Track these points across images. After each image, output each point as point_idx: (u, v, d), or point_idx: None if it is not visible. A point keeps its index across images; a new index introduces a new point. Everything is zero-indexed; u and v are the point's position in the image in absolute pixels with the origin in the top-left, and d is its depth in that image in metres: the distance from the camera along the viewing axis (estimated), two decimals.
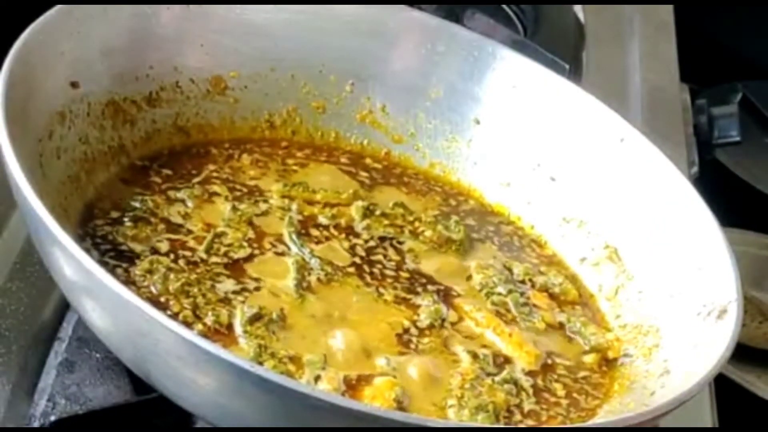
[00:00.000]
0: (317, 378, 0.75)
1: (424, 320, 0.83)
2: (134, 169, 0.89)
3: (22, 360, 0.81)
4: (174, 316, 0.76)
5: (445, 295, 0.87)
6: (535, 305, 0.89)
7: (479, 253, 0.92)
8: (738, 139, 1.36)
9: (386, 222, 0.91)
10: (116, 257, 0.80)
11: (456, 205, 0.97)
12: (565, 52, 1.19)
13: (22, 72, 0.78)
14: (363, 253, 0.88)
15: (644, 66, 1.35)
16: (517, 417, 0.78)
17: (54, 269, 0.73)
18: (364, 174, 0.97)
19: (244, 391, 0.65)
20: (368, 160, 0.99)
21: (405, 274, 0.87)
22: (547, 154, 0.97)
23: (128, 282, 0.78)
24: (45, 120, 0.81)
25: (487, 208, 0.98)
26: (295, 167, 0.95)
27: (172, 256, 0.82)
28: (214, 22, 0.94)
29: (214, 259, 0.83)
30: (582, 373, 0.84)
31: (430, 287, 0.87)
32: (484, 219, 0.97)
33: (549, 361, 0.84)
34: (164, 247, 0.82)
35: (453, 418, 0.76)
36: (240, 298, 0.80)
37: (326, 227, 0.89)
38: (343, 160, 0.98)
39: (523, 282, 0.91)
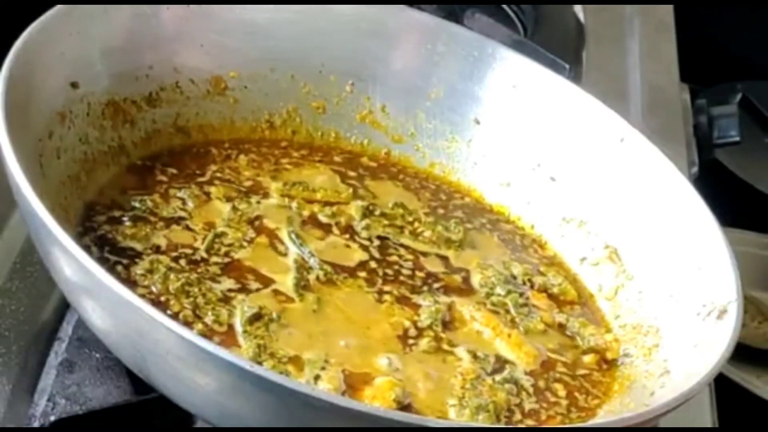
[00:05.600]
0: (317, 378, 0.75)
1: (424, 320, 0.83)
2: (135, 169, 0.89)
3: (22, 360, 0.81)
4: (174, 316, 0.76)
5: (445, 295, 0.87)
6: (534, 306, 0.89)
7: (480, 248, 0.92)
8: (738, 139, 1.36)
9: (386, 222, 0.91)
10: (116, 257, 0.80)
11: (453, 205, 0.97)
12: (565, 52, 1.19)
13: (22, 72, 0.78)
14: (363, 253, 0.88)
15: (644, 66, 1.35)
16: (518, 416, 0.78)
17: (54, 269, 0.73)
18: (353, 173, 0.96)
19: (244, 391, 0.65)
20: (364, 160, 0.99)
21: (409, 272, 0.87)
22: (547, 154, 0.97)
23: (128, 281, 0.78)
24: (45, 120, 0.81)
25: (486, 208, 0.98)
26: (288, 166, 0.95)
27: (172, 255, 0.82)
28: (214, 22, 0.94)
29: (214, 258, 0.83)
30: (582, 373, 0.84)
31: (434, 285, 0.87)
32: (482, 218, 0.96)
33: (548, 362, 0.84)
34: (164, 246, 0.82)
35: (454, 418, 0.76)
36: (240, 297, 0.80)
37: (326, 226, 0.89)
38: (337, 159, 0.98)
39: (522, 283, 0.91)
